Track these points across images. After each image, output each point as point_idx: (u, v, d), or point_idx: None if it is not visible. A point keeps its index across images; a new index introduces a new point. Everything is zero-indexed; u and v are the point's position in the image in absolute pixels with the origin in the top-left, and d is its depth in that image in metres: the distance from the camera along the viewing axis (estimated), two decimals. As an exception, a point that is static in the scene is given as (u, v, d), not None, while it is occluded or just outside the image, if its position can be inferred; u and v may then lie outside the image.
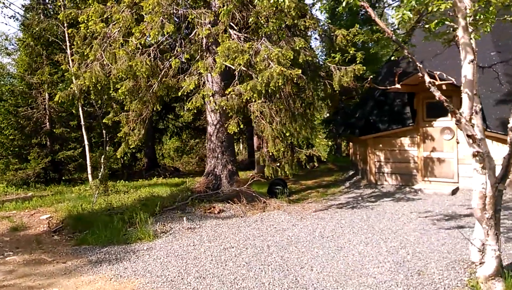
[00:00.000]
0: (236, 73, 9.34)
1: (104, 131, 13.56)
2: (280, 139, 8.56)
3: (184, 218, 8.44)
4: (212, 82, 10.95)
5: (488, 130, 9.73)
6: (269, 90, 8.29)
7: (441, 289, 5.05)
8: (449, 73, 6.45)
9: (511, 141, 5.73)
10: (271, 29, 8.89)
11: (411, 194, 10.44)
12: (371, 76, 10.00)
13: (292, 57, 8.49)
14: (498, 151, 9.87)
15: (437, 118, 10.68)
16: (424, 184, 10.82)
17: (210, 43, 10.58)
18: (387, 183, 11.55)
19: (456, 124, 5.07)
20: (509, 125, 5.87)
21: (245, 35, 9.67)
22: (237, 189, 10.29)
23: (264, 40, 9.13)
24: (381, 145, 11.62)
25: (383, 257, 6.15)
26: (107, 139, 14.71)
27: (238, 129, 8.84)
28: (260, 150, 9.10)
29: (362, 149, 12.80)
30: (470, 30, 4.94)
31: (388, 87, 10.39)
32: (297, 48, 9.22)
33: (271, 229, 7.98)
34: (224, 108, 8.91)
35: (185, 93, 9.75)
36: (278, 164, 9.52)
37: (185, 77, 9.92)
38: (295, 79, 8.14)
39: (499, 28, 9.37)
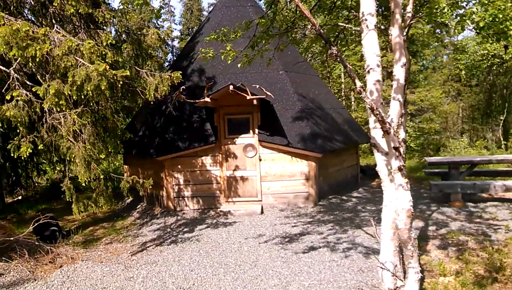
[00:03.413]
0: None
1: None
2: (95, 162, 6.23)
3: None
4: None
5: (290, 146, 9.88)
6: (82, 96, 5.96)
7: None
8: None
9: (403, 152, 5.63)
10: (70, 12, 6.51)
11: (222, 217, 9.54)
12: (183, 87, 8.72)
13: (108, 54, 6.39)
14: (298, 167, 10.17)
15: (239, 134, 10.21)
16: (229, 205, 10.14)
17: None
18: (188, 209, 10.30)
19: (384, 134, 4.49)
20: (400, 136, 5.79)
21: (20, 19, 6.79)
22: (10, 238, 7.07)
23: (57, 28, 6.61)
24: (180, 166, 10.30)
25: (281, 302, 5.02)
26: None
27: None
28: (64, 179, 6.50)
29: (151, 172, 11.11)
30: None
31: (197, 100, 9.30)
32: (104, 44, 7.08)
33: (98, 292, 5.61)
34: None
35: None
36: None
37: None
38: (121, 82, 6.09)
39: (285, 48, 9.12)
